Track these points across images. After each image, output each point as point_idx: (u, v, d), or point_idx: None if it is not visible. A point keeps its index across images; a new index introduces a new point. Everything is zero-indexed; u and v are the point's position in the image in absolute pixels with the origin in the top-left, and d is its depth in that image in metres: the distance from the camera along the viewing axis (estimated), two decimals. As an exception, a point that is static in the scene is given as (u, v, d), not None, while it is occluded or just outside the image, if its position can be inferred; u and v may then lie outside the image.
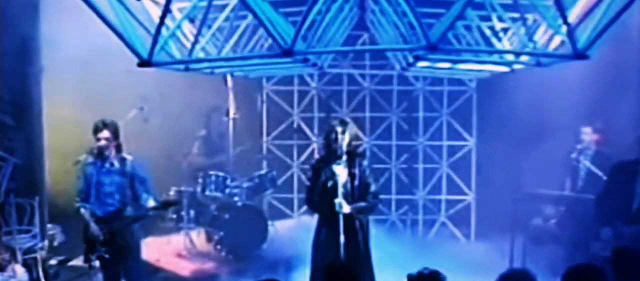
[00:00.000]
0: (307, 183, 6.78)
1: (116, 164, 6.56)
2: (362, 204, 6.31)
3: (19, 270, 7.39)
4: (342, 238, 6.12)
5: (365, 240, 6.47)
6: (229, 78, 8.63)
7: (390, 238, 9.29)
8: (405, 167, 10.49)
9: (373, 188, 6.45)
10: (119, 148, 6.60)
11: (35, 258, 7.83)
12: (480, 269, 7.38)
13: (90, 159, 6.57)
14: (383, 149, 10.42)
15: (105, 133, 6.46)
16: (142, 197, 6.61)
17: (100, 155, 6.53)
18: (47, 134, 8.51)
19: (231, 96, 8.83)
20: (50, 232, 8.29)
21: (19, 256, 7.73)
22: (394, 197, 10.47)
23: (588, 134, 8.25)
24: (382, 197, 9.35)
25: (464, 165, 10.34)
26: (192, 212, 8.93)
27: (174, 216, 8.99)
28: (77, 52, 8.27)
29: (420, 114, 10.43)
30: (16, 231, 7.83)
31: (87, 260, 6.57)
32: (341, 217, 6.13)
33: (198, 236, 9.07)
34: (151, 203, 6.60)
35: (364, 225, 6.46)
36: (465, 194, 10.34)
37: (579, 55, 4.86)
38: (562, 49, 5.40)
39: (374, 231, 6.94)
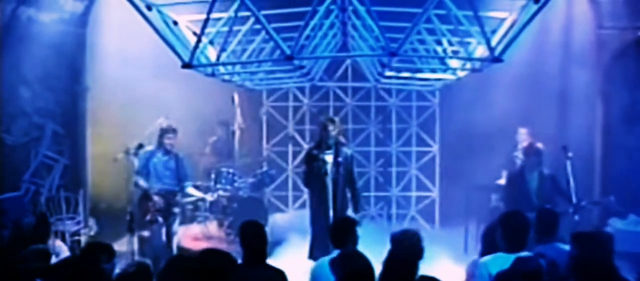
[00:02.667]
0: (304, 167, 7.82)
1: (173, 157, 8.41)
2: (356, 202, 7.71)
3: (58, 243, 8.06)
4: (330, 212, 7.44)
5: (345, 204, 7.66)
6: (236, 97, 9.80)
7: (370, 230, 9.52)
8: (382, 170, 11.44)
9: (355, 178, 7.74)
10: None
11: (79, 241, 9.08)
12: (443, 251, 8.52)
13: (152, 149, 8.35)
14: (363, 155, 11.27)
15: (172, 136, 8.35)
16: (185, 182, 8.50)
17: (162, 145, 8.35)
18: (90, 142, 9.81)
19: (238, 111, 9.94)
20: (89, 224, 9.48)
21: (67, 238, 8.89)
22: (372, 194, 11.39)
23: (523, 134, 9.53)
24: (362, 194, 10.69)
25: (429, 167, 11.42)
26: (206, 202, 9.94)
27: (191, 206, 9.99)
28: (116, 74, 9.45)
29: (394, 126, 11.47)
30: (65, 218, 9.13)
31: (151, 221, 8.23)
32: (330, 192, 7.41)
33: (211, 222, 10.16)
34: (190, 188, 8.66)
35: (347, 199, 7.70)
36: (431, 191, 11.44)
37: (495, 59, 6.48)
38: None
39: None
